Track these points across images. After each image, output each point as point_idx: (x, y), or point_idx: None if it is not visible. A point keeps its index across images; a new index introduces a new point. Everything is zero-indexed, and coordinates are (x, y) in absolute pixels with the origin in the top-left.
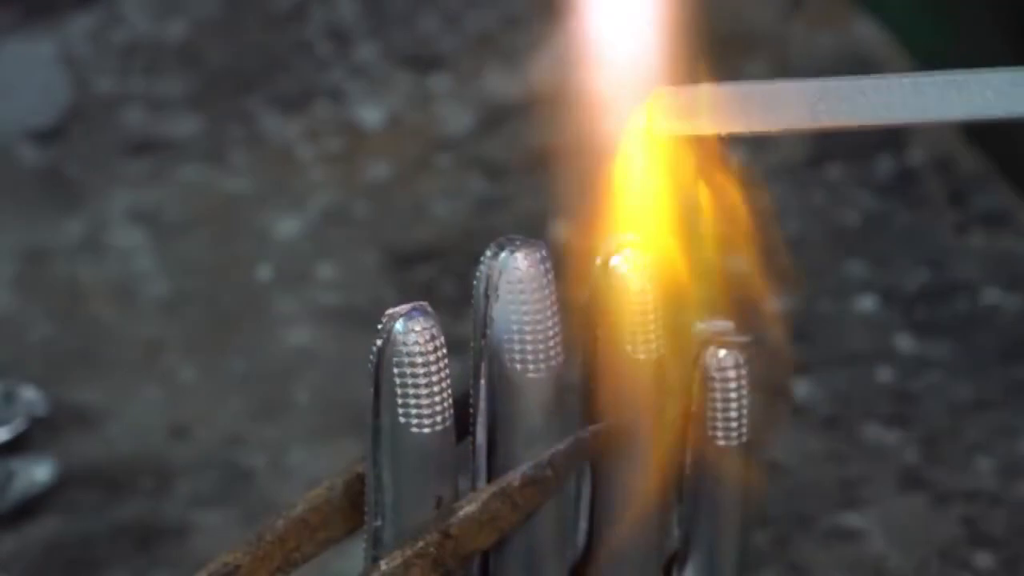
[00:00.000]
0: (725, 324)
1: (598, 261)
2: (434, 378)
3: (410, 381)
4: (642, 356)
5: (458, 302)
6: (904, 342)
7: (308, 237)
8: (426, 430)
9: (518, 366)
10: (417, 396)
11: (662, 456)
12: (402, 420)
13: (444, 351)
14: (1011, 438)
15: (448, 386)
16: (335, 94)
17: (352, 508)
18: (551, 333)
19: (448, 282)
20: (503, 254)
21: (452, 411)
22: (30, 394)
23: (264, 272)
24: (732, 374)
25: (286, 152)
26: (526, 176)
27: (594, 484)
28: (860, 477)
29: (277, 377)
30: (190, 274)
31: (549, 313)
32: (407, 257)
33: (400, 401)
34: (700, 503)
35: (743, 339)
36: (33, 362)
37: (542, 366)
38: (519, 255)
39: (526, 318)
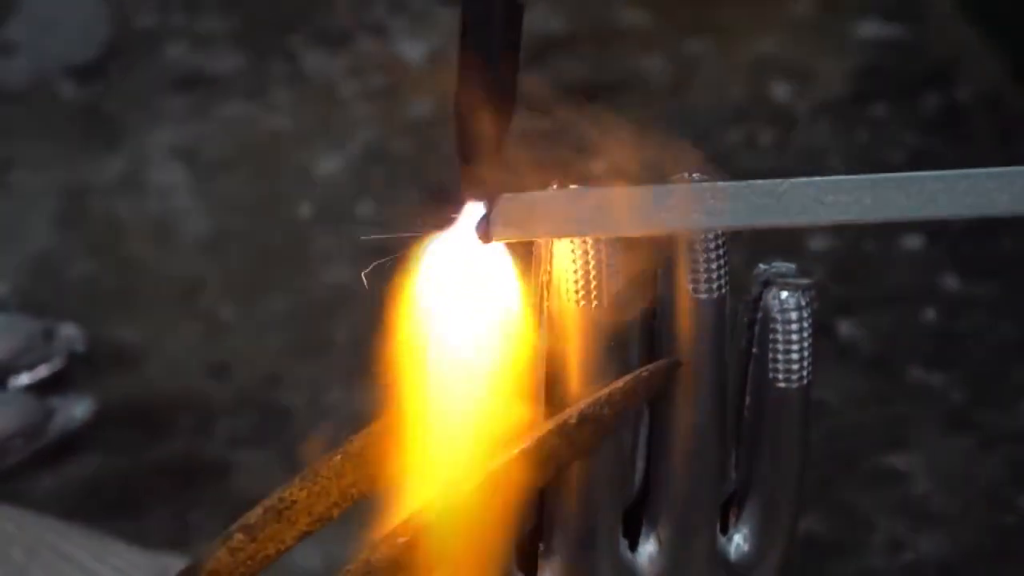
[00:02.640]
0: (787, 266)
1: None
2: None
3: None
4: (704, 295)
5: None
6: (949, 282)
7: (349, 175)
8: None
9: (579, 302)
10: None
11: (722, 397)
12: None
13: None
14: None
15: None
16: (377, 30)
17: (385, 455)
18: (609, 269)
19: None
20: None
21: None
22: (69, 331)
23: (305, 210)
24: (794, 316)
25: (328, 89)
26: (568, 112)
27: (652, 423)
28: (905, 418)
29: (316, 315)
30: (230, 212)
31: (608, 249)
32: (449, 196)
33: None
34: (759, 445)
35: (806, 281)
36: (72, 299)
37: (602, 301)
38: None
39: (585, 252)
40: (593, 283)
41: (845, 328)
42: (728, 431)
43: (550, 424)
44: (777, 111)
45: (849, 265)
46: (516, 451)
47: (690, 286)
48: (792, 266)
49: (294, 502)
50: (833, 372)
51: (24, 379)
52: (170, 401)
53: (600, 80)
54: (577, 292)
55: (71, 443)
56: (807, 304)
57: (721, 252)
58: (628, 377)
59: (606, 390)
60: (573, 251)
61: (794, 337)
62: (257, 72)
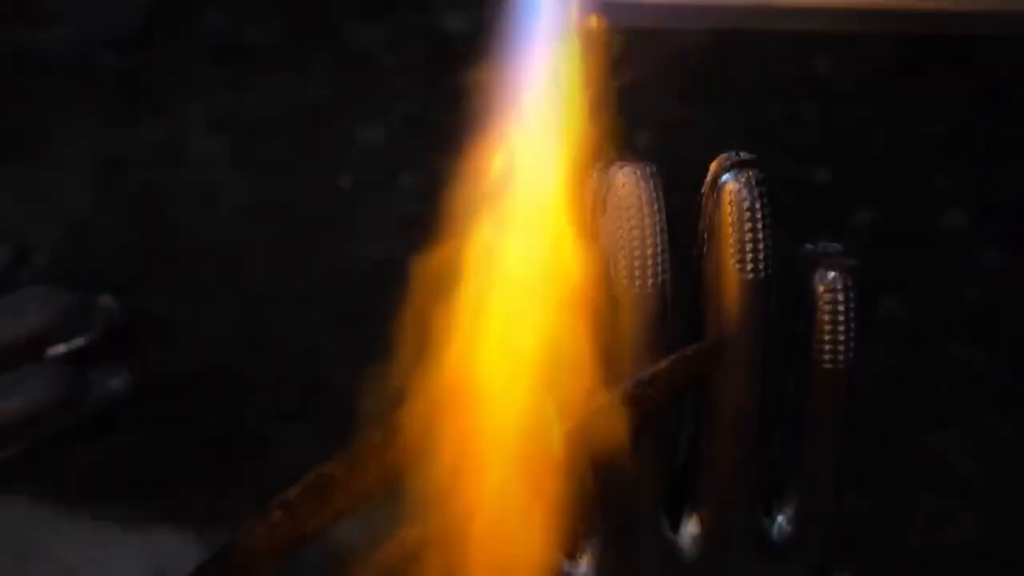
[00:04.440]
0: (833, 246)
1: (708, 178)
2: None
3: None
4: (750, 275)
5: None
6: (992, 259)
7: (390, 145)
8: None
9: (624, 281)
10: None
11: (766, 378)
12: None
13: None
14: None
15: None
16: (419, 0)
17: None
18: (656, 249)
19: None
20: (610, 170)
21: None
22: (107, 303)
23: (345, 181)
24: (840, 296)
25: (369, 59)
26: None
27: (696, 403)
28: (947, 397)
29: (357, 288)
30: (270, 182)
31: (654, 229)
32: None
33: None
34: (802, 427)
35: (852, 261)
36: (110, 270)
37: (647, 282)
38: (624, 172)
39: (631, 233)
40: (649, 263)
41: (886, 305)
42: (771, 411)
43: (595, 404)
44: (818, 85)
45: (890, 242)
46: (562, 433)
47: (736, 265)
48: (837, 246)
49: (333, 479)
50: (874, 350)
51: (60, 351)
52: (208, 374)
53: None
54: (633, 271)
55: (108, 416)
56: (852, 284)
57: (766, 231)
58: (673, 357)
59: (650, 370)
60: (631, 230)
61: (840, 318)
62: (297, 42)
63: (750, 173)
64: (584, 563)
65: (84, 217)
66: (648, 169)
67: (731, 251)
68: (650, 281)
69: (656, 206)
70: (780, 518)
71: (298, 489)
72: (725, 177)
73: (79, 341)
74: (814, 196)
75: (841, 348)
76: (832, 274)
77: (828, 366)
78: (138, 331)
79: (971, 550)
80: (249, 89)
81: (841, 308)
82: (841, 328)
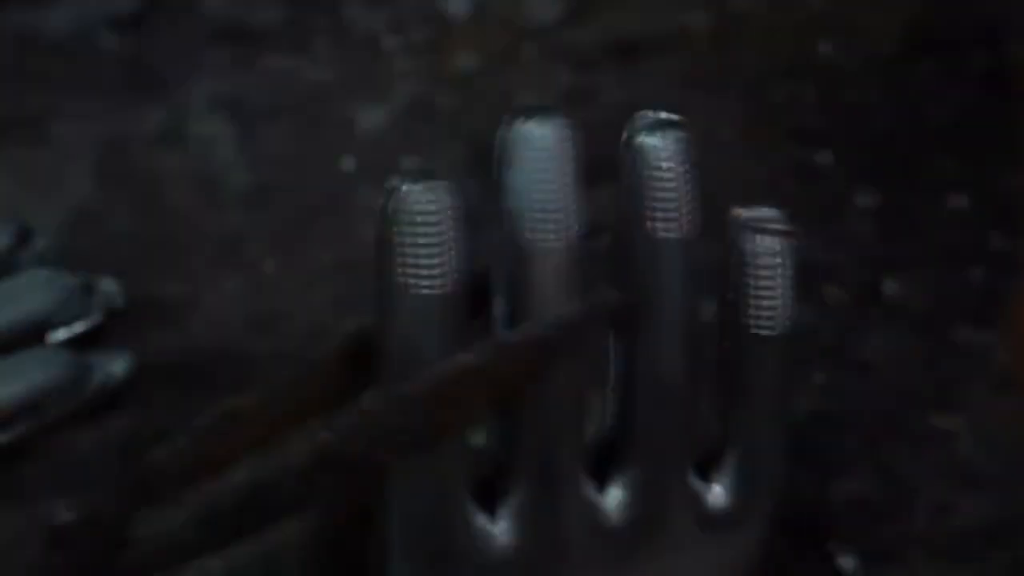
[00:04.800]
0: (770, 211)
1: (624, 136)
2: (435, 239)
3: (408, 240)
4: (671, 235)
5: None
6: (996, 241)
7: (392, 129)
8: (425, 291)
9: (533, 235)
10: (417, 256)
11: (690, 340)
12: (401, 280)
13: (450, 214)
14: None
15: (453, 250)
16: None
17: (350, 372)
18: (567, 203)
19: None
20: (521, 123)
21: (459, 276)
22: (108, 286)
23: (348, 164)
24: (769, 260)
25: (371, 42)
26: (614, 67)
27: (623, 365)
28: (951, 379)
29: (360, 270)
30: (273, 165)
31: (565, 183)
32: (492, 149)
33: (400, 260)
34: (736, 395)
35: (785, 226)
36: (112, 253)
37: (557, 235)
38: (535, 124)
39: (540, 186)
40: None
41: (890, 287)
42: (701, 376)
43: (492, 340)
44: (822, 68)
45: (894, 224)
46: (459, 365)
47: (649, 223)
48: (775, 212)
49: (242, 413)
50: (878, 332)
51: (62, 335)
52: (211, 356)
53: (645, 34)
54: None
55: (110, 399)
56: (786, 250)
57: (686, 188)
58: (574, 307)
59: (552, 315)
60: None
61: (768, 283)
62: (299, 24)
63: (668, 132)
64: (503, 523)
65: (86, 200)
66: (561, 121)
67: (647, 210)
68: (565, 234)
69: (567, 159)
70: (717, 490)
71: (207, 419)
72: (641, 136)
73: (80, 325)
74: (816, 178)
75: (770, 314)
76: (761, 237)
77: (758, 332)
78: (140, 314)
79: (975, 535)
80: (251, 71)
81: (770, 273)
82: (770, 293)
